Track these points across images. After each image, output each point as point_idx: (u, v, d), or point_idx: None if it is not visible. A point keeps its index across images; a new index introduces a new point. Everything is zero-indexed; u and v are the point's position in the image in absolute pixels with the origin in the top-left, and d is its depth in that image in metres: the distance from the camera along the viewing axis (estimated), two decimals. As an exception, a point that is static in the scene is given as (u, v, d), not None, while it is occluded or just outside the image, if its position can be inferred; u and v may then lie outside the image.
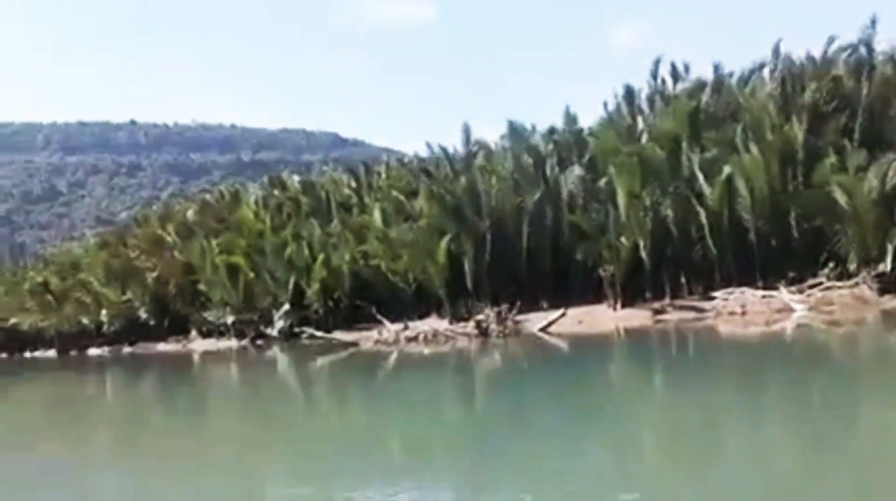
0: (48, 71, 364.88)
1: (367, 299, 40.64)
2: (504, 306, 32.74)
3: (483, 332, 31.27)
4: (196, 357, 42.44)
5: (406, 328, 36.08)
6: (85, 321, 51.11)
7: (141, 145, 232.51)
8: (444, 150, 41.93)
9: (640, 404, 13.59)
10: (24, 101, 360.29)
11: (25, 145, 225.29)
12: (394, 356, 29.07)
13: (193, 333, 48.37)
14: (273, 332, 42.02)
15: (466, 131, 41.96)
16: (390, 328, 34.81)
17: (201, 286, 45.43)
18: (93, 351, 53.93)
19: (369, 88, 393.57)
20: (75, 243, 68.24)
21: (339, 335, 36.64)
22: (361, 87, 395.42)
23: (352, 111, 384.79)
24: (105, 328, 51.20)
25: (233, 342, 44.83)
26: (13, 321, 59.51)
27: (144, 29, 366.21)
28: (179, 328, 49.21)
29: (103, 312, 50.28)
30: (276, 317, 41.23)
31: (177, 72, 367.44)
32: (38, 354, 59.89)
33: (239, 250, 43.95)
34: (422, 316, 37.98)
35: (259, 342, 43.24)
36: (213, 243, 45.62)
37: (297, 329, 41.77)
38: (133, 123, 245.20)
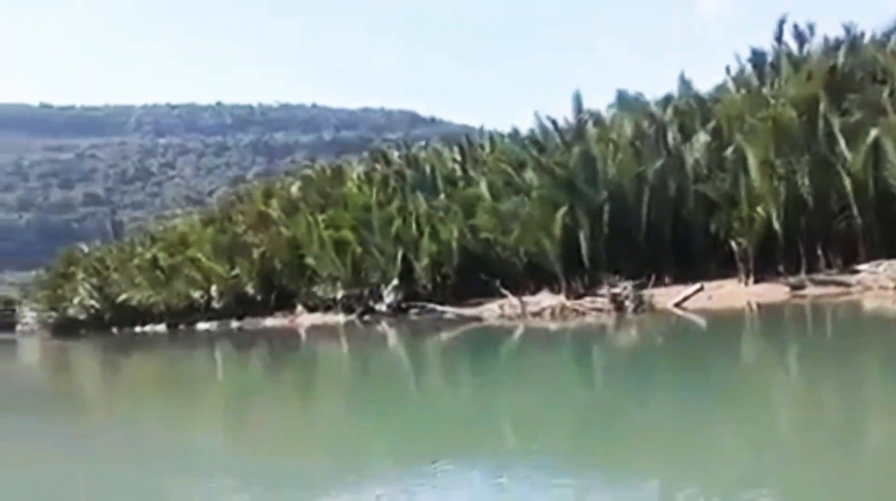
0: (138, 55, 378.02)
1: (475, 273, 39.97)
2: (642, 280, 31.35)
3: (619, 307, 30.01)
4: (303, 332, 42.70)
5: (522, 303, 35.23)
6: (196, 295, 52.20)
7: (227, 126, 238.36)
8: (553, 121, 40.53)
9: (800, 384, 12.27)
10: (116, 84, 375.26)
11: (118, 128, 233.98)
12: (519, 331, 28.23)
13: (300, 308, 48.81)
14: (381, 307, 41.83)
15: (578, 101, 40.44)
16: (514, 302, 33.96)
17: (308, 261, 45.62)
18: (201, 326, 55.25)
19: (447, 66, 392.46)
20: (179, 219, 69.98)
21: (462, 310, 35.97)
22: (439, 65, 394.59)
23: (430, 90, 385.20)
24: (214, 303, 52.21)
25: (340, 317, 44.95)
26: (124, 296, 61.60)
27: (229, 12, 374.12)
28: (286, 303, 49.75)
29: (213, 287, 51.27)
30: (385, 292, 40.99)
31: (260, 53, 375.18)
32: (147, 328, 61.94)
33: (346, 224, 43.87)
34: (534, 291, 37.05)
35: (367, 317, 43.18)
36: (319, 218, 45.68)
37: (404, 304, 41.49)
38: (219, 104, 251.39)
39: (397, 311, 41.37)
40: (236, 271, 51.06)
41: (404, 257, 41.21)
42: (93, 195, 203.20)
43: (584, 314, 31.01)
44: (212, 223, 58.27)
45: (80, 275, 69.12)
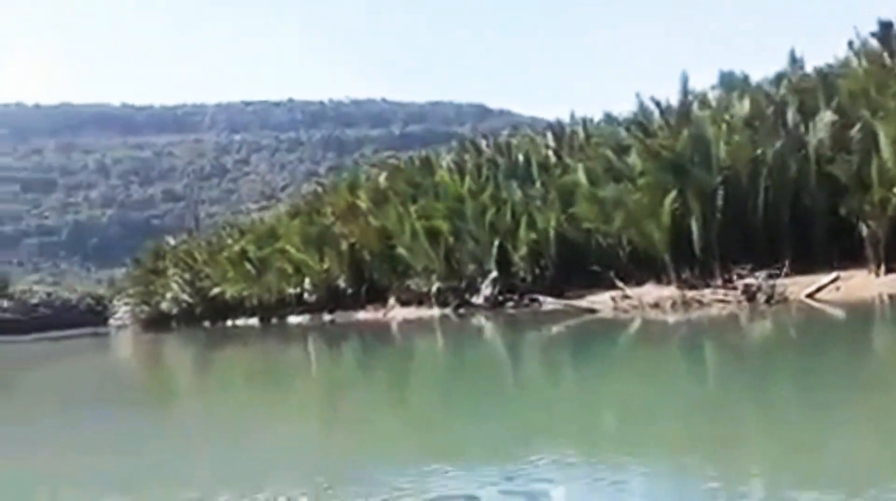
0: (212, 54, 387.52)
1: (574, 264, 38.66)
2: (773, 270, 29.51)
3: (751, 298, 28.27)
4: (395, 326, 42.20)
5: (625, 295, 33.78)
6: (290, 290, 52.33)
7: (299, 122, 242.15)
8: (657, 103, 38.72)
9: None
10: (192, 84, 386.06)
11: (194, 125, 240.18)
12: (635, 324, 26.85)
13: (392, 301, 48.34)
14: (478, 299, 40.90)
15: (684, 80, 38.53)
16: (628, 293, 32.52)
17: (401, 251, 44.99)
18: (292, 319, 55.45)
19: (515, 57, 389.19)
20: (266, 212, 70.55)
21: (572, 302, 34.70)
22: (507, 57, 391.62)
23: (499, 82, 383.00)
24: (306, 296, 52.25)
25: (434, 311, 44.25)
26: (215, 290, 62.44)
27: (298, 11, 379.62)
28: (377, 296, 49.36)
29: (307, 280, 51.27)
30: (482, 284, 40.02)
31: (330, 50, 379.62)
32: (239, 322, 62.64)
33: (438, 214, 43.08)
34: (638, 282, 35.49)
35: (462, 310, 42.34)
36: (411, 208, 45.03)
37: (501, 297, 40.47)
38: (291, 101, 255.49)
39: (494, 304, 40.36)
40: (326, 263, 50.92)
41: (500, 248, 40.15)
42: (171, 192, 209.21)
43: (707, 305, 29.34)
44: (298, 215, 58.40)
45: (171, 270, 70.52)
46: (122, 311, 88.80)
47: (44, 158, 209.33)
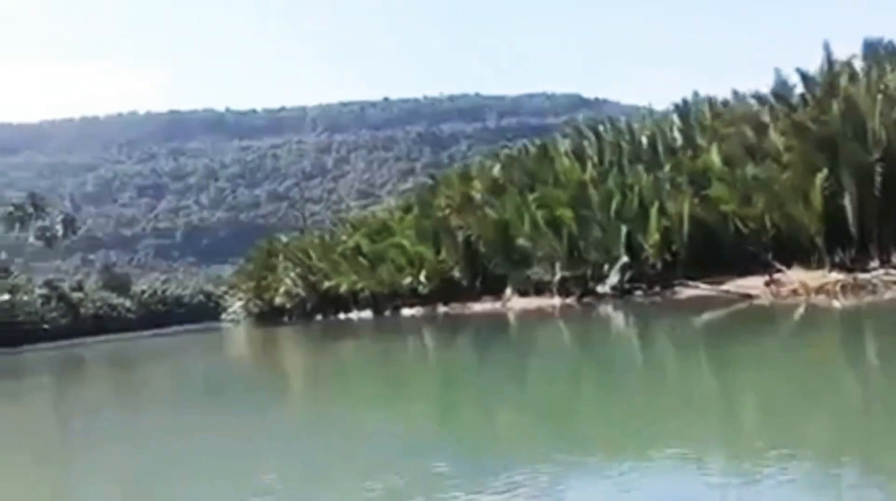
0: (310, 58, 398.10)
1: (708, 250, 36.48)
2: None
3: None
4: (512, 317, 41.07)
5: (772, 280, 31.44)
6: (407, 281, 52.09)
7: (395, 120, 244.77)
8: (803, 74, 35.94)
9: None
10: (292, 87, 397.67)
11: (295, 127, 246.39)
12: (799, 311, 24.68)
13: (508, 291, 47.27)
14: (605, 288, 39.25)
15: (827, 51, 35.64)
16: (791, 278, 30.24)
17: (521, 242, 43.82)
18: (406, 312, 55.25)
19: (610, 46, 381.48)
20: (374, 207, 70.89)
21: (726, 287, 32.60)
22: (602, 45, 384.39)
23: (593, 70, 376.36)
24: (421, 288, 51.88)
25: (555, 300, 42.88)
26: (329, 284, 63.11)
27: (391, 11, 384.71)
28: (493, 287, 48.41)
29: (423, 272, 50.89)
30: (610, 271, 38.36)
31: (424, 47, 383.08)
32: (352, 315, 63.12)
33: (560, 203, 41.66)
34: (782, 267, 32.97)
35: (586, 299, 40.80)
36: (529, 197, 43.79)
37: (629, 285, 38.70)
38: (386, 99, 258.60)
39: (622, 292, 38.62)
40: (442, 255, 50.38)
41: (628, 235, 38.36)
42: (275, 193, 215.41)
43: (880, 289, 26.75)
44: (409, 210, 58.21)
45: (284, 265, 71.93)
46: (236, 306, 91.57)
47: (156, 163, 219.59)
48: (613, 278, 38.23)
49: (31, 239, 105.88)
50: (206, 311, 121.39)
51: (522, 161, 49.05)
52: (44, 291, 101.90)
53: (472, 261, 49.38)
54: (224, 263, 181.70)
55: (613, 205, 39.41)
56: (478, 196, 49.25)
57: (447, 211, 50.97)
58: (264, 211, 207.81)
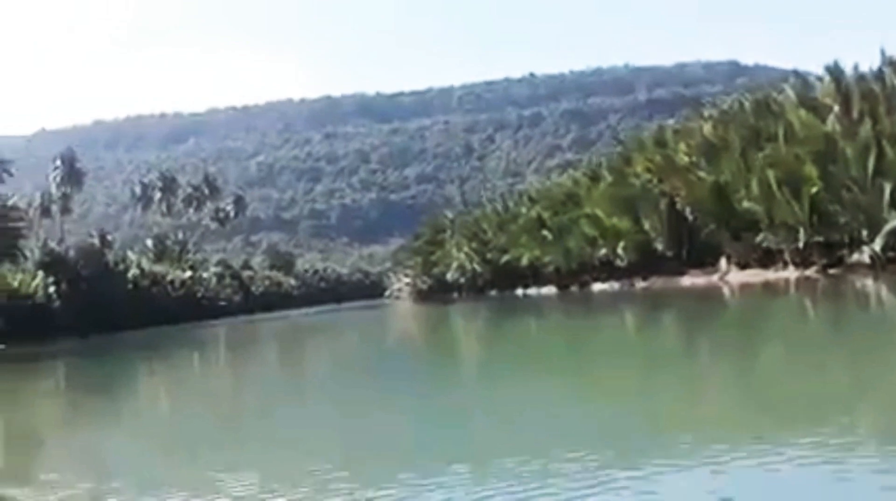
0: (456, 38, 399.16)
1: None
2: None
3: None
4: (729, 292, 36.15)
5: None
6: (601, 253, 48.32)
7: (540, 97, 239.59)
8: None
9: None
10: (437, 68, 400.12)
11: (442, 108, 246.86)
12: None
13: (723, 263, 42.41)
14: (860, 257, 33.68)
15: None
16: None
17: (746, 205, 38.70)
18: (597, 286, 51.46)
19: (765, 4, 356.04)
20: (554, 179, 67.45)
21: None
22: (757, 5, 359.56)
23: (750, 34, 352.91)
24: (618, 261, 47.92)
25: (789, 272, 37.66)
26: (506, 257, 60.37)
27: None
28: (702, 259, 43.70)
29: (620, 243, 46.90)
30: (874, 236, 32.74)
31: (568, 21, 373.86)
32: (531, 291, 60.06)
33: (798, 161, 36.29)
34: None
35: (833, 270, 35.33)
36: (758, 156, 38.62)
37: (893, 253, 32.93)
38: (532, 76, 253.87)
39: (885, 262, 32.89)
40: (643, 225, 46.12)
41: (894, 193, 32.59)
42: (423, 174, 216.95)
43: None
44: (596, 179, 54.22)
45: (456, 240, 70.00)
46: (401, 282, 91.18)
47: (311, 148, 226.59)
48: (877, 245, 32.53)
49: (206, 220, 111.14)
50: (364, 288, 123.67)
51: (740, 117, 43.67)
52: (218, 269, 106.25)
53: (678, 230, 44.82)
54: (375, 243, 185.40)
55: (871, 160, 33.67)
56: (685, 159, 44.48)
57: (648, 177, 46.56)
58: (413, 192, 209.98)
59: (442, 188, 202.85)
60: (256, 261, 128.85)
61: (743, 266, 40.89)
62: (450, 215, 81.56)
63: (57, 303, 57.48)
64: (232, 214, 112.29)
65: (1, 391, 20.83)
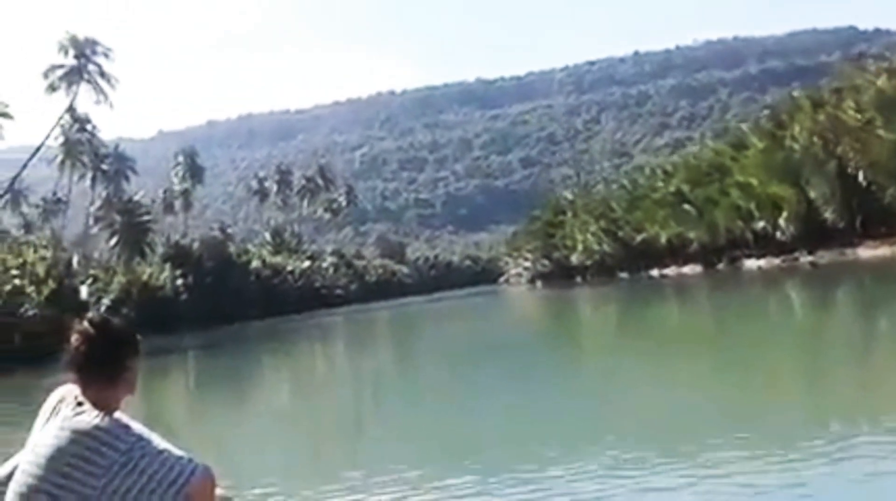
0: (554, 19, 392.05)
1: None
2: None
3: None
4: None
5: None
6: (758, 226, 43.91)
7: (646, 74, 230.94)
8: None
9: None
10: (538, 52, 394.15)
11: (544, 92, 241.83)
12: None
13: (910, 232, 37.32)
14: None
15: None
16: None
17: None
18: (750, 263, 46.92)
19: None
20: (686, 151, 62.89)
21: None
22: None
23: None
24: (779, 234, 43.36)
25: None
26: (642, 236, 56.46)
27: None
28: (882, 229, 38.67)
29: (783, 215, 42.34)
30: None
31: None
32: (669, 271, 55.78)
33: None
34: None
35: None
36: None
37: None
38: (636, 54, 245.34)
39: None
40: (808, 193, 41.40)
41: None
42: (527, 158, 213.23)
43: None
44: (740, 147, 49.53)
45: (582, 220, 66.45)
46: (519, 267, 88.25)
47: (414, 138, 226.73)
48: None
49: (319, 212, 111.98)
50: (475, 275, 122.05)
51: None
52: (333, 259, 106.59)
53: (850, 197, 39.92)
54: (482, 230, 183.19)
55: None
56: (856, 117, 39.48)
57: (811, 141, 41.74)
58: (517, 177, 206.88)
59: (547, 172, 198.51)
60: (368, 251, 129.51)
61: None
62: (569, 195, 77.96)
63: (184, 296, 58.07)
64: (343, 204, 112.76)
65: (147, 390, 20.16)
